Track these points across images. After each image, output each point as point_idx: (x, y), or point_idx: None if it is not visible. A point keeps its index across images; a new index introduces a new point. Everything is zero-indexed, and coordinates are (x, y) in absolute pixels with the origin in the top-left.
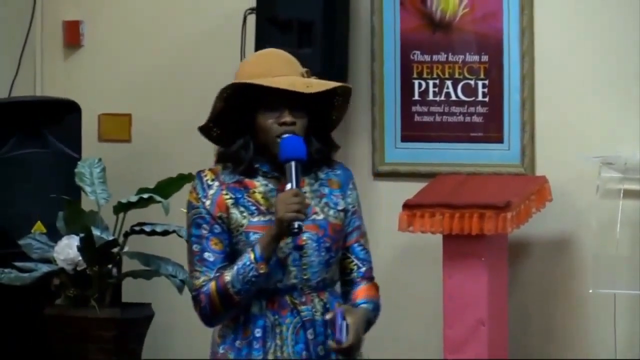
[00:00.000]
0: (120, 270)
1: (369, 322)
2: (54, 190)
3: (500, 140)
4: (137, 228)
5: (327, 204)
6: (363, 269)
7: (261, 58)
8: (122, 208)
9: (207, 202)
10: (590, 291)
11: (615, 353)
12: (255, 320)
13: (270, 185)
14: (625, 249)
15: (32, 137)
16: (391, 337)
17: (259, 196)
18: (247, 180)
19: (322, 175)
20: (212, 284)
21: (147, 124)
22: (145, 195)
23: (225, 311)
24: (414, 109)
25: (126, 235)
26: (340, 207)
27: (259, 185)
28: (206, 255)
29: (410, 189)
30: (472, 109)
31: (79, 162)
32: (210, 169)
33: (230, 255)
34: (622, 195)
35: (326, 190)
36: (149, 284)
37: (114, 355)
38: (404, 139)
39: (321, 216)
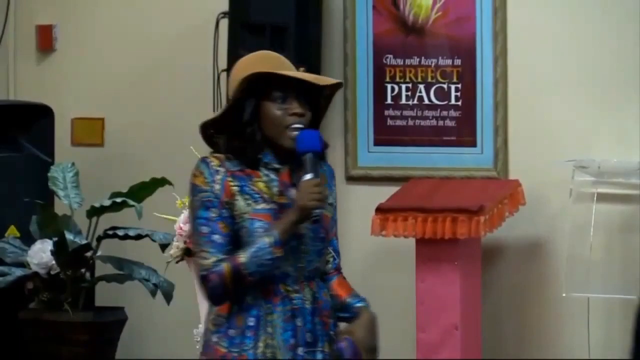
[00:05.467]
0: (93, 274)
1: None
2: (27, 195)
3: (473, 144)
4: (110, 232)
5: None
6: (337, 261)
7: (263, 56)
8: (95, 212)
9: (217, 187)
10: (564, 295)
11: (589, 356)
12: (249, 309)
13: (272, 176)
14: (598, 252)
15: (5, 142)
16: None
17: (262, 185)
18: (249, 170)
19: None
20: (225, 265)
21: (120, 128)
22: (119, 200)
23: (235, 291)
24: (386, 112)
25: (99, 239)
26: (329, 200)
27: (262, 175)
28: (215, 237)
29: (383, 193)
30: (445, 113)
31: (51, 167)
32: (214, 156)
33: (234, 240)
34: (595, 199)
35: None
36: (122, 288)
37: (87, 359)
38: (377, 142)
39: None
